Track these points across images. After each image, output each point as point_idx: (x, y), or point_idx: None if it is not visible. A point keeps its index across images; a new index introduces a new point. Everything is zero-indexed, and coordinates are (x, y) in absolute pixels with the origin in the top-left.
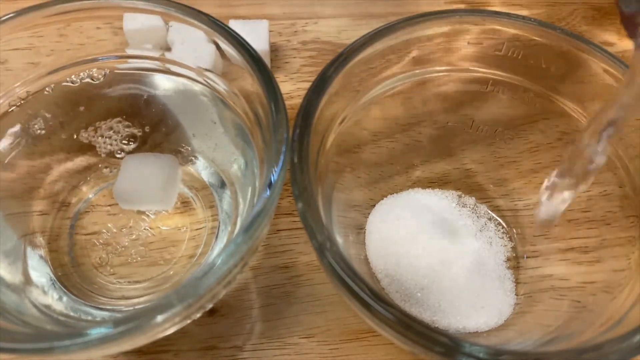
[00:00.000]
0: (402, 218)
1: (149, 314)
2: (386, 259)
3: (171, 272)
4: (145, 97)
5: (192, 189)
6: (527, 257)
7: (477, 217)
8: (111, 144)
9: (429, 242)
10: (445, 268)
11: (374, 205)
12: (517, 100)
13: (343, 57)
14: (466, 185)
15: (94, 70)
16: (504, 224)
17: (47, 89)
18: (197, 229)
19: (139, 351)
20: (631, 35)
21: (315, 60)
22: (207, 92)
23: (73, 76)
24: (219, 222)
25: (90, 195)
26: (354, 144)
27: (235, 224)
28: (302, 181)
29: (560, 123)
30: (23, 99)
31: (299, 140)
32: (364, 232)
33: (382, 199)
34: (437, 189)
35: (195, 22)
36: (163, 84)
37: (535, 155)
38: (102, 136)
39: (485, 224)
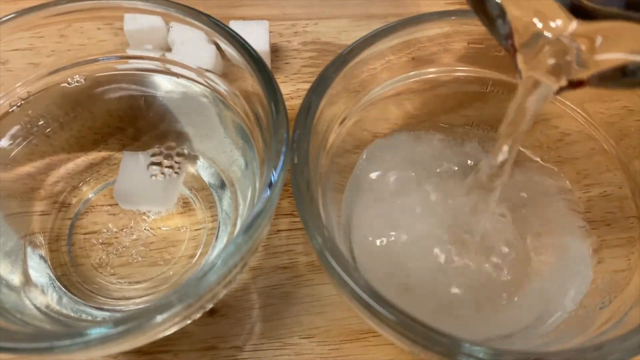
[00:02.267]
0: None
1: (149, 314)
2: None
3: (171, 273)
4: (145, 97)
5: (192, 190)
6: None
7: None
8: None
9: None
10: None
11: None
12: None
13: (343, 57)
14: None
15: (94, 70)
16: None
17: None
18: (197, 230)
19: (138, 351)
20: (514, 64)
21: (315, 61)
22: (207, 93)
23: (74, 76)
24: (219, 223)
25: (91, 195)
26: (354, 145)
27: (235, 224)
28: (303, 182)
29: (560, 124)
30: (24, 100)
31: (299, 141)
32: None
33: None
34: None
35: (196, 23)
36: (163, 84)
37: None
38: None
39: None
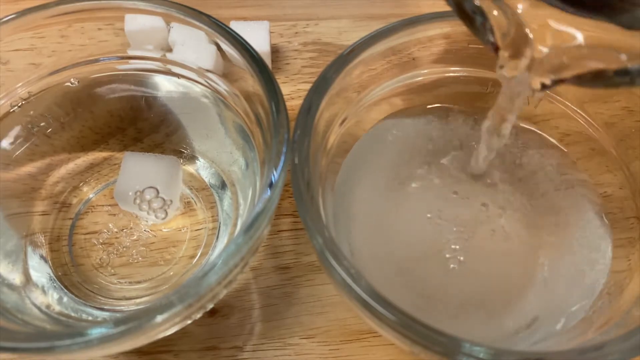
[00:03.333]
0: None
1: (150, 314)
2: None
3: (171, 273)
4: (146, 97)
5: (192, 190)
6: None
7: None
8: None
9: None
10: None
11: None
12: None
13: (344, 58)
14: None
15: (95, 71)
16: None
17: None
18: (197, 230)
19: (139, 351)
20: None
21: (315, 61)
22: (208, 93)
23: (74, 77)
24: (220, 223)
25: (91, 196)
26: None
27: (235, 224)
28: (303, 182)
29: (560, 124)
30: (24, 100)
31: (299, 141)
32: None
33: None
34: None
35: (197, 23)
36: (164, 84)
37: None
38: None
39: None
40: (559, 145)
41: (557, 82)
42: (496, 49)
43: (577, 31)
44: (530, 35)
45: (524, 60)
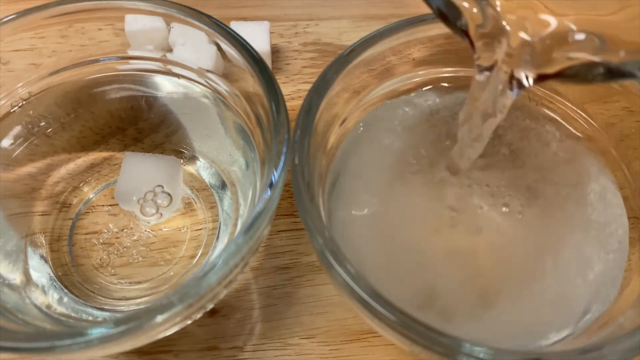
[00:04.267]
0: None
1: (150, 314)
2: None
3: (172, 273)
4: (146, 98)
5: (192, 190)
6: None
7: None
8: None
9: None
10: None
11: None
12: (518, 102)
13: (344, 58)
14: None
15: (95, 71)
16: None
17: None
18: (197, 230)
19: (139, 351)
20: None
21: (316, 61)
22: (208, 93)
23: (74, 77)
24: (220, 223)
25: (91, 196)
26: None
27: (235, 225)
28: (303, 182)
29: (561, 125)
30: (25, 100)
31: (300, 141)
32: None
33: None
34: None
35: (197, 24)
36: (164, 85)
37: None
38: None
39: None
40: (577, 134)
41: (539, 78)
42: (470, 42)
43: (555, 18)
44: (504, 23)
45: (500, 50)
